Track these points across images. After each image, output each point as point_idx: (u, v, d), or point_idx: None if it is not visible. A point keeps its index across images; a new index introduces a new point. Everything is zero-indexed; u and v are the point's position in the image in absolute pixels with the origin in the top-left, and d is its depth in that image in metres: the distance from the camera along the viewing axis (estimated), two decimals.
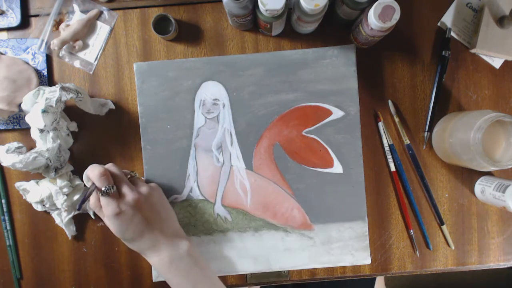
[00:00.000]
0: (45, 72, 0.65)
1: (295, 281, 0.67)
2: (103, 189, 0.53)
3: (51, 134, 0.59)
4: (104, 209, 0.54)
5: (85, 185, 0.64)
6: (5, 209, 0.66)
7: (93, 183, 0.54)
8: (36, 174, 0.65)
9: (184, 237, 0.58)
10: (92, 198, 0.55)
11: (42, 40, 0.65)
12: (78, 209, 0.54)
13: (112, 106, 0.65)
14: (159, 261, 0.55)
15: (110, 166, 0.56)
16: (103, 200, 0.53)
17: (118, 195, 0.54)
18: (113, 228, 0.54)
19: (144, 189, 0.57)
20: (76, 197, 0.63)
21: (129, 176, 0.58)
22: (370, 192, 0.65)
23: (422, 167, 0.65)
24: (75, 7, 0.65)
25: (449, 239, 0.65)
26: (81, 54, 0.66)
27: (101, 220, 0.66)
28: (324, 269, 0.66)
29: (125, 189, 0.55)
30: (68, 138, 0.64)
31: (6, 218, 0.66)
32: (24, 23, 0.66)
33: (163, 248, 0.55)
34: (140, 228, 0.54)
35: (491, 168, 0.54)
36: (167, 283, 0.66)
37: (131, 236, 0.55)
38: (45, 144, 0.59)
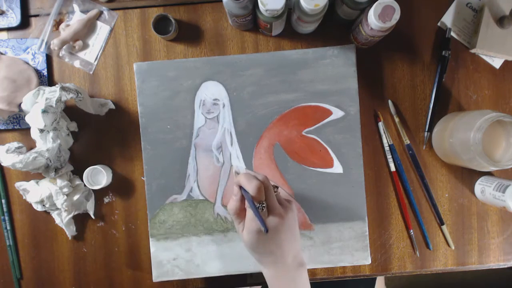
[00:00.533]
0: (45, 72, 0.65)
1: None
2: (257, 205, 0.50)
3: (51, 134, 0.59)
4: (249, 222, 0.51)
5: (85, 185, 0.64)
6: (5, 209, 0.66)
7: (245, 192, 0.51)
8: (36, 174, 0.65)
9: (301, 261, 0.55)
10: (233, 203, 0.53)
11: (42, 40, 0.65)
12: (266, 231, 0.50)
13: (112, 106, 0.65)
14: (270, 277, 0.54)
15: (265, 179, 0.53)
16: (251, 214, 0.51)
17: (266, 213, 0.52)
18: (248, 241, 0.52)
19: (287, 210, 0.54)
20: (76, 197, 0.63)
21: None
22: (370, 192, 0.65)
23: (422, 167, 0.65)
24: (75, 7, 0.65)
25: (449, 239, 0.65)
26: (81, 54, 0.66)
27: (101, 220, 0.66)
28: (324, 269, 0.66)
29: (273, 209, 0.52)
30: (68, 138, 0.64)
31: (6, 218, 0.66)
32: (24, 23, 0.66)
33: (281, 268, 0.53)
34: (273, 248, 0.52)
35: (491, 168, 0.54)
36: (167, 283, 0.66)
37: (262, 251, 0.53)
38: (45, 144, 0.59)
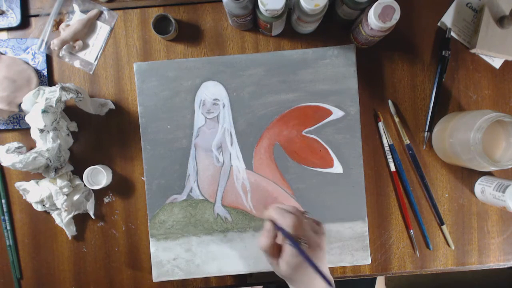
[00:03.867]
0: (45, 72, 0.65)
1: None
2: (301, 241, 0.48)
3: (51, 134, 0.59)
4: (291, 258, 0.48)
5: (85, 185, 0.64)
6: (5, 209, 0.66)
7: (281, 229, 0.49)
8: (36, 174, 0.65)
9: (329, 279, 0.53)
10: (265, 240, 0.50)
11: (42, 40, 0.65)
12: (301, 252, 0.47)
13: (112, 106, 0.65)
14: None
15: (296, 210, 0.51)
16: (290, 249, 0.48)
17: (306, 247, 0.49)
18: (287, 274, 0.50)
19: (321, 236, 0.52)
20: (76, 197, 0.63)
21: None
22: (370, 192, 0.65)
23: (422, 167, 0.65)
24: (75, 7, 0.65)
25: (449, 239, 0.65)
26: (81, 54, 0.66)
27: (101, 220, 0.66)
28: None
29: (311, 240, 0.50)
30: (68, 138, 0.64)
31: (6, 218, 0.66)
32: (24, 23, 0.66)
33: None
34: (304, 279, 0.50)
35: (491, 168, 0.54)
36: (167, 283, 0.66)
37: (298, 279, 0.50)
38: (45, 144, 0.59)
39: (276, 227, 0.49)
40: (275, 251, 0.50)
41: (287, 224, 0.48)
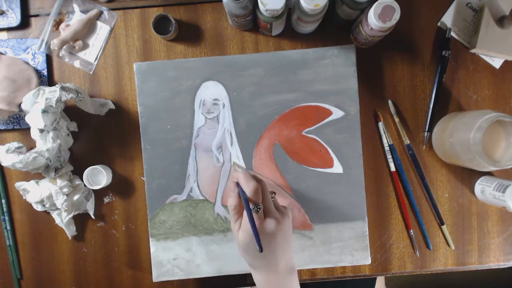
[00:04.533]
0: (45, 72, 0.65)
1: None
2: (253, 206, 0.51)
3: (51, 134, 0.59)
4: (246, 223, 0.51)
5: (85, 185, 0.64)
6: (5, 209, 0.66)
7: (242, 191, 0.52)
8: (36, 174, 0.65)
9: (292, 266, 0.55)
10: (232, 199, 0.53)
11: (42, 40, 0.65)
12: (256, 239, 0.49)
13: (112, 106, 0.65)
14: (261, 281, 0.54)
15: (263, 182, 0.54)
16: (247, 216, 0.51)
17: (262, 216, 0.52)
18: (243, 242, 0.52)
19: (284, 216, 0.54)
20: (76, 197, 0.63)
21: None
22: (370, 192, 0.65)
23: (422, 167, 0.65)
24: (75, 7, 0.65)
25: (449, 239, 0.65)
26: (81, 54, 0.66)
27: (101, 220, 0.66)
28: (324, 269, 0.66)
29: (270, 213, 0.52)
30: (68, 138, 0.64)
31: (6, 218, 0.66)
32: (24, 23, 0.66)
33: (271, 274, 0.53)
34: (266, 252, 0.51)
35: (491, 168, 0.54)
36: (167, 283, 0.66)
37: (254, 255, 0.53)
38: (45, 144, 0.59)
39: (240, 190, 0.52)
40: (240, 215, 0.54)
41: (248, 188, 0.51)
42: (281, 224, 0.52)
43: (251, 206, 0.51)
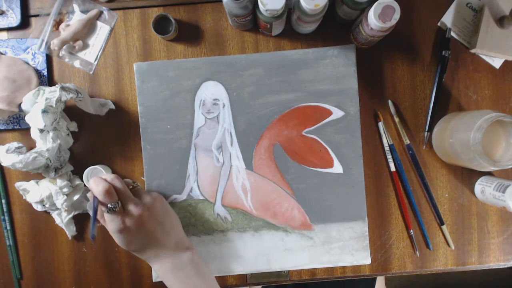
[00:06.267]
0: (45, 72, 0.65)
1: (295, 281, 0.67)
2: (108, 205, 0.52)
3: (51, 134, 0.59)
4: (109, 224, 0.53)
5: (85, 185, 0.64)
6: (5, 209, 0.66)
7: (95, 198, 0.53)
8: (36, 174, 0.65)
9: (187, 246, 0.58)
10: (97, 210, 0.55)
11: (42, 40, 0.65)
12: (92, 238, 0.51)
13: (112, 106, 0.65)
14: (161, 269, 0.56)
15: (113, 179, 0.54)
16: (108, 217, 0.53)
17: (122, 211, 0.53)
18: (118, 241, 0.54)
19: (148, 201, 0.56)
20: (76, 197, 0.63)
21: (131, 187, 0.57)
22: (370, 192, 0.65)
23: (422, 167, 0.65)
24: (75, 7, 0.65)
25: (449, 239, 0.65)
26: (81, 54, 0.66)
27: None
28: (324, 269, 0.66)
29: (130, 205, 0.54)
30: (68, 138, 0.64)
31: (6, 218, 0.66)
32: (24, 23, 0.66)
33: (165, 258, 0.55)
34: (144, 242, 0.54)
35: (491, 168, 0.54)
36: None
37: (135, 248, 0.55)
38: (45, 144, 0.59)
39: (93, 196, 0.53)
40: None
41: (99, 190, 0.51)
42: (144, 211, 0.54)
43: (104, 209, 0.52)
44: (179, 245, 0.57)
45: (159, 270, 0.56)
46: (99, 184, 0.52)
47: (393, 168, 0.65)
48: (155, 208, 0.56)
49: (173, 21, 0.63)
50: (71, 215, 0.64)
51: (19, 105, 0.62)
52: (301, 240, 0.64)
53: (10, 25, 0.65)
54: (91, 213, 0.53)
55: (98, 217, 0.55)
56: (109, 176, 0.55)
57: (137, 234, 0.53)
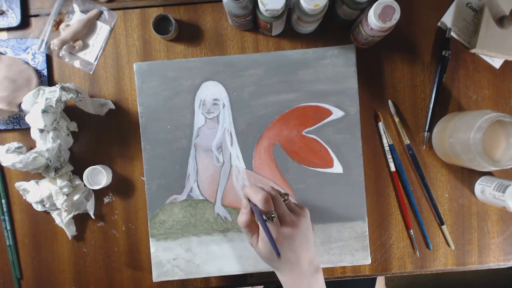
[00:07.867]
0: (45, 72, 0.65)
1: None
2: (266, 216, 0.50)
3: (51, 134, 0.59)
4: (263, 234, 0.51)
5: (85, 185, 0.64)
6: (5, 209, 0.66)
7: (254, 205, 0.51)
8: (36, 174, 0.65)
9: (316, 265, 0.55)
10: (243, 216, 0.53)
11: (42, 40, 0.65)
12: (273, 245, 0.49)
13: (112, 106, 0.65)
14: (287, 283, 0.54)
15: (271, 189, 0.53)
16: (262, 227, 0.51)
17: (278, 222, 0.51)
18: (264, 252, 0.52)
19: (300, 217, 0.53)
20: (76, 197, 0.63)
21: (283, 199, 0.55)
22: (370, 192, 0.65)
23: (422, 167, 0.65)
24: (75, 7, 0.65)
25: (449, 239, 0.65)
26: (81, 54, 0.66)
27: (101, 220, 0.66)
28: (324, 269, 0.66)
29: (285, 217, 0.52)
30: (68, 138, 0.64)
31: (6, 218, 0.66)
32: (24, 23, 0.66)
33: (296, 274, 0.53)
34: (289, 256, 0.52)
35: (491, 168, 0.54)
36: (167, 283, 0.66)
37: (276, 260, 0.52)
38: (45, 144, 0.59)
39: (252, 204, 0.52)
40: (254, 230, 0.53)
41: (258, 198, 0.50)
42: (297, 226, 0.52)
43: (264, 217, 0.50)
44: (312, 263, 0.54)
45: (285, 283, 0.54)
46: (258, 192, 0.51)
47: (393, 168, 0.65)
48: (304, 224, 0.53)
49: (173, 21, 0.63)
50: (71, 215, 0.64)
51: (19, 105, 0.62)
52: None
53: (10, 25, 0.65)
54: (261, 226, 0.51)
55: (242, 225, 0.53)
56: (266, 186, 0.54)
57: (286, 247, 0.51)
